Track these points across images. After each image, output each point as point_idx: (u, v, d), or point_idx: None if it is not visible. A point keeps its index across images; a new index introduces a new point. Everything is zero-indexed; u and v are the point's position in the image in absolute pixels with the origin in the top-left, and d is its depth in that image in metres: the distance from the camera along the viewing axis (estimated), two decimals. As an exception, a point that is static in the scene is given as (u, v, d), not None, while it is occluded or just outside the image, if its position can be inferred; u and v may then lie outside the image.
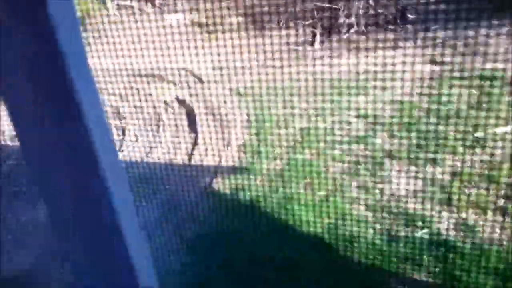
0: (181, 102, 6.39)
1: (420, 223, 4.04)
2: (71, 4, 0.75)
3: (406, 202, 4.28)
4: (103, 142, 0.82)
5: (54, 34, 0.71)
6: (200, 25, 7.42)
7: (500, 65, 5.12)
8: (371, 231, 4.07)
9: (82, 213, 0.88)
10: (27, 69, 0.75)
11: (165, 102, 6.39)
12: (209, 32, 7.09)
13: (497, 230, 3.85)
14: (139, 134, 5.89)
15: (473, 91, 5.23)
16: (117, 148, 5.82)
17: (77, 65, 0.76)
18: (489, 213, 4.01)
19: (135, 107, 5.64)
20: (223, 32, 6.88)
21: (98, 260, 0.93)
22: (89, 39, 7.11)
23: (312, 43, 7.24)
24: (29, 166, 0.84)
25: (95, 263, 0.93)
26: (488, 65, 5.20)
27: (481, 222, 3.95)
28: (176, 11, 7.51)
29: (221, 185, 4.90)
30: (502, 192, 4.17)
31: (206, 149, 5.43)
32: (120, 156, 5.64)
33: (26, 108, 0.79)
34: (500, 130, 4.68)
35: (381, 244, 3.91)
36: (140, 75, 6.11)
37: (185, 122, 6.05)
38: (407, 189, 4.41)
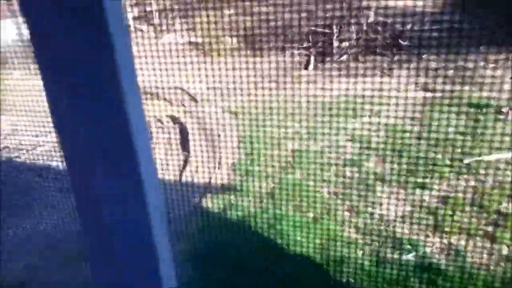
0: (175, 120, 6.42)
1: (408, 247, 4.04)
2: (121, 11, 0.78)
3: (395, 225, 4.29)
4: (143, 148, 0.84)
5: (109, 39, 0.74)
6: (196, 45, 7.52)
7: (493, 94, 5.21)
8: (360, 253, 4.06)
9: (117, 214, 0.89)
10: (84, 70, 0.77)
11: (158, 120, 6.42)
12: (204, 52, 7.18)
13: (485, 255, 3.85)
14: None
15: (465, 118, 5.31)
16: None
17: (126, 67, 0.78)
18: (477, 239, 4.03)
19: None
20: (219, 52, 6.97)
21: (126, 256, 0.94)
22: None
23: (306, 67, 7.34)
24: (70, 165, 0.85)
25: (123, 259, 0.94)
26: (481, 93, 5.30)
27: (469, 247, 3.96)
28: (172, 31, 7.62)
29: (211, 203, 4.88)
30: (491, 218, 4.19)
31: (197, 167, 5.43)
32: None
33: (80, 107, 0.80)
34: (493, 157, 4.74)
35: (369, 267, 3.89)
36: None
37: (178, 140, 6.07)
38: (396, 213, 4.43)
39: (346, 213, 4.55)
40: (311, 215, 4.55)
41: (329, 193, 4.84)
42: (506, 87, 5.41)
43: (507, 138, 4.92)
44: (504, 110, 5.39)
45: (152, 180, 0.86)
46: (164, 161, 5.55)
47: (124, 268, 0.95)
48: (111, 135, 0.80)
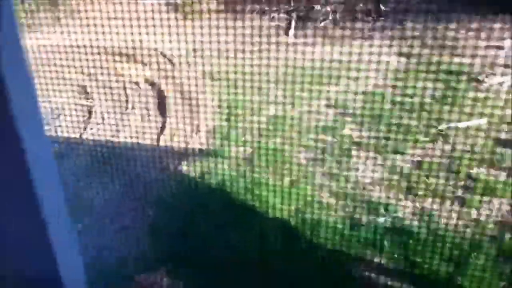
0: (151, 84, 6.32)
1: (382, 210, 4.14)
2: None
3: (370, 190, 4.37)
4: (33, 133, 0.81)
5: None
6: (175, 6, 7.32)
7: (467, 60, 5.23)
8: (335, 217, 4.14)
9: (5, 206, 0.87)
10: None
11: (134, 82, 6.30)
12: (184, 14, 7.00)
13: (454, 218, 3.98)
14: (107, 113, 5.80)
15: (440, 84, 5.36)
16: (82, 129, 5.71)
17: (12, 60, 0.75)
18: (448, 202, 4.15)
19: (103, 86, 5.53)
20: (198, 15, 6.81)
21: (18, 250, 0.93)
22: (59, 14, 6.92)
23: (287, 31, 7.24)
24: None
25: (15, 252, 0.93)
26: (459, 60, 5.33)
27: (440, 211, 4.08)
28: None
29: (188, 168, 4.88)
30: (461, 182, 4.31)
31: (175, 132, 5.39)
32: (86, 136, 5.54)
33: None
34: (467, 123, 4.82)
35: (344, 230, 3.99)
36: (110, 53, 6.00)
37: (154, 104, 5.99)
38: (371, 178, 4.51)
39: (323, 178, 4.61)
40: (288, 180, 4.60)
41: (306, 158, 4.88)
42: (481, 53, 5.44)
43: (480, 105, 5.01)
44: (480, 77, 5.45)
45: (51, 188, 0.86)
46: (141, 126, 5.49)
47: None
48: None
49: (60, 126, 5.56)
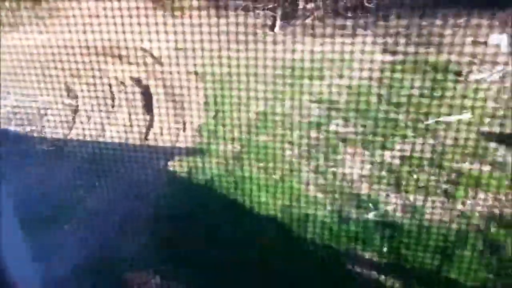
0: (137, 82, 6.26)
1: (369, 205, 4.17)
2: None
3: (357, 185, 4.40)
4: None
5: None
6: (160, 3, 7.27)
7: (453, 57, 5.29)
8: (323, 211, 4.16)
9: None
10: None
11: (120, 81, 6.24)
12: (167, 10, 6.96)
13: (441, 211, 4.03)
14: (92, 112, 5.74)
15: (426, 80, 5.41)
16: (68, 127, 5.64)
17: None
18: (434, 196, 4.20)
19: (88, 84, 5.47)
20: (182, 12, 6.77)
21: None
22: (41, 13, 6.82)
23: (272, 28, 7.24)
24: None
25: None
26: (442, 56, 5.39)
27: (427, 205, 4.12)
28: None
29: (176, 166, 4.86)
30: (447, 176, 4.37)
31: (162, 130, 5.35)
32: (72, 135, 5.48)
33: None
34: (452, 118, 4.87)
35: (331, 225, 4.01)
36: (95, 53, 5.93)
37: (141, 102, 5.94)
38: (358, 172, 4.54)
39: (310, 173, 4.63)
40: (276, 176, 4.60)
41: (293, 154, 4.89)
42: (467, 49, 5.51)
43: (466, 100, 5.07)
44: (464, 72, 5.52)
45: None
46: (128, 125, 5.44)
47: None
48: None
49: (45, 125, 5.49)
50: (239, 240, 3.94)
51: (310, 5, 7.10)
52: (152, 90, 5.97)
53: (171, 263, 3.82)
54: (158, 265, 3.76)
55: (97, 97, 5.65)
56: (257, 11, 7.34)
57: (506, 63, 5.54)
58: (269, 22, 7.35)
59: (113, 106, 5.88)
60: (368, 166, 4.61)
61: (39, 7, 7.13)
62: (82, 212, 4.39)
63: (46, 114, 5.70)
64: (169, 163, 4.93)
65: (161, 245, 4.01)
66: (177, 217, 4.29)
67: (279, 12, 7.34)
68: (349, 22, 6.85)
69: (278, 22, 7.28)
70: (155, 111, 5.69)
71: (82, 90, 5.89)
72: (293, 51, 5.72)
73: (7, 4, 6.91)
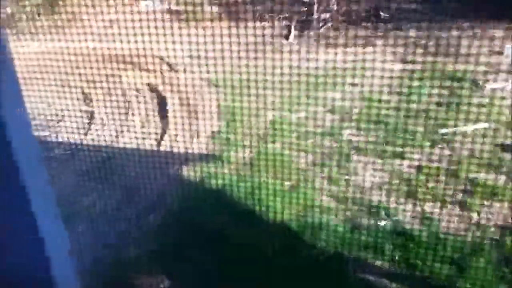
0: (153, 89, 6.34)
1: (383, 214, 4.13)
2: None
3: (371, 193, 4.37)
4: (22, 136, 0.83)
5: None
6: (175, 13, 7.37)
7: (470, 67, 5.25)
8: (335, 220, 4.14)
9: None
10: None
11: (136, 89, 6.32)
12: (185, 21, 7.04)
13: (455, 221, 3.98)
14: (108, 118, 5.82)
15: (442, 90, 5.38)
16: (83, 134, 5.73)
17: None
18: (449, 206, 4.14)
19: (104, 91, 5.56)
20: (199, 21, 6.85)
21: (11, 250, 0.94)
22: (59, 21, 6.95)
23: (287, 37, 7.28)
24: None
25: (7, 253, 0.94)
26: (458, 66, 5.35)
27: (441, 215, 4.07)
28: (151, -2, 7.43)
29: (189, 172, 4.88)
30: (462, 186, 4.31)
31: (177, 136, 5.40)
32: (87, 141, 5.56)
33: None
34: (468, 128, 4.82)
35: (344, 233, 3.98)
36: (112, 61, 6.03)
37: (155, 109, 6.01)
38: (372, 181, 4.51)
39: (323, 181, 4.62)
40: (289, 183, 4.60)
41: (306, 162, 4.88)
42: (483, 60, 5.46)
43: (482, 110, 5.02)
44: (480, 82, 5.47)
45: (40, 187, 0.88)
46: (142, 131, 5.50)
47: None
48: None
49: (61, 131, 5.58)
50: (250, 247, 3.93)
51: (325, 15, 7.13)
52: (167, 97, 6.03)
53: (181, 268, 3.83)
54: (167, 270, 3.77)
55: (113, 103, 5.73)
56: (273, 21, 7.39)
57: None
58: (284, 32, 7.39)
59: (127, 113, 5.95)
60: (382, 175, 4.58)
61: (58, 16, 7.28)
62: (93, 216, 4.43)
63: (62, 120, 5.79)
64: (183, 169, 4.96)
65: (171, 250, 4.02)
66: (189, 222, 4.30)
67: (294, 22, 7.38)
68: (364, 32, 6.85)
69: (293, 32, 7.31)
70: (170, 117, 5.74)
71: (98, 97, 5.97)
72: (308, 60, 5.75)
73: (26, 12, 7.08)
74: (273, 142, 5.14)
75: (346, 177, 4.61)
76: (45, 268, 0.94)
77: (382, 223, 4.04)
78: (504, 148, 4.56)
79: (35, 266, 0.95)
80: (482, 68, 5.36)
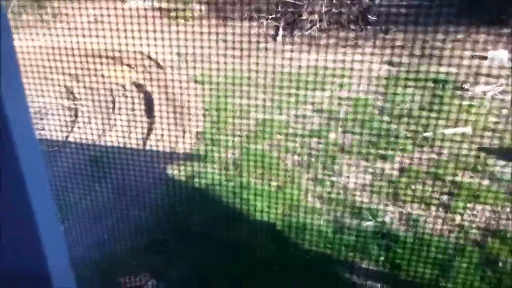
0: (139, 86, 6.28)
1: (367, 215, 4.16)
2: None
3: (355, 194, 4.40)
4: (23, 134, 0.83)
5: None
6: (163, 10, 7.32)
7: (453, 71, 5.32)
8: (320, 221, 4.15)
9: None
10: None
11: (122, 86, 6.26)
12: (171, 18, 7.00)
13: (439, 223, 4.03)
14: (92, 116, 5.74)
15: (427, 93, 5.44)
16: (68, 130, 5.65)
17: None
18: (432, 208, 4.19)
19: (89, 88, 5.49)
20: (185, 19, 6.82)
21: (9, 247, 0.93)
22: (44, 16, 6.87)
23: (274, 37, 7.29)
24: None
25: (5, 250, 0.93)
26: (442, 69, 5.42)
27: (425, 216, 4.12)
28: (138, -5, 7.37)
29: (175, 171, 4.85)
30: (446, 189, 4.36)
31: (162, 135, 5.35)
32: (72, 137, 5.48)
33: None
34: (451, 131, 4.88)
35: (329, 234, 4.00)
36: (97, 57, 5.95)
37: (142, 107, 5.95)
38: (357, 183, 4.54)
39: (309, 182, 4.63)
40: (274, 184, 4.60)
41: (292, 163, 4.89)
42: (467, 64, 5.54)
43: (466, 113, 5.09)
44: (464, 86, 5.55)
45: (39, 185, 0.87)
46: (127, 129, 5.44)
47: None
48: None
49: (45, 127, 5.49)
50: (235, 247, 3.92)
51: (313, 16, 7.15)
52: (153, 95, 5.99)
53: (166, 266, 3.80)
54: (154, 268, 3.73)
55: (97, 100, 5.66)
56: (261, 21, 7.39)
57: (505, 78, 5.57)
58: (272, 32, 7.40)
59: (113, 110, 5.89)
60: (366, 177, 4.61)
61: (43, 11, 7.18)
62: (77, 214, 4.37)
63: (46, 116, 5.70)
64: (168, 168, 4.92)
65: (157, 249, 3.99)
66: (173, 221, 4.27)
67: (282, 22, 7.39)
68: (351, 34, 6.90)
69: (280, 32, 7.32)
70: (156, 116, 5.69)
71: (82, 94, 5.90)
72: (295, 60, 5.76)
73: (12, 7, 6.96)
74: (259, 142, 5.14)
75: (332, 178, 4.63)
76: (41, 264, 0.94)
77: (367, 224, 4.07)
78: (487, 151, 4.63)
79: (32, 262, 0.94)
80: (465, 72, 5.43)
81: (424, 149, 4.85)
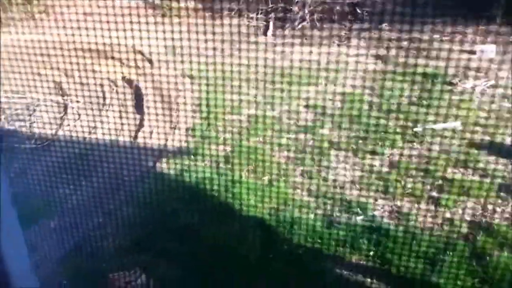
0: (128, 82, 6.24)
1: (357, 210, 4.18)
2: None
3: (346, 189, 4.42)
4: None
5: None
6: (152, 5, 7.26)
7: (442, 65, 5.34)
8: (311, 215, 4.17)
9: None
10: None
11: (112, 81, 6.21)
12: (162, 13, 6.96)
13: (429, 218, 4.06)
14: (82, 112, 5.70)
15: (416, 88, 5.46)
16: (58, 125, 5.60)
17: None
18: (423, 202, 4.22)
19: (79, 83, 5.43)
20: (176, 14, 6.77)
21: None
22: (33, 8, 6.78)
23: (265, 32, 7.26)
24: None
25: None
26: (433, 64, 5.45)
27: (414, 211, 4.15)
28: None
29: (165, 166, 4.83)
30: (436, 183, 4.39)
31: (152, 130, 5.33)
32: (62, 132, 5.43)
33: None
34: (441, 125, 4.91)
35: (321, 228, 4.01)
36: (87, 52, 5.90)
37: (131, 102, 5.91)
38: (347, 178, 4.55)
39: (300, 178, 4.63)
40: (265, 178, 4.60)
41: (283, 158, 4.89)
42: (456, 59, 5.57)
43: (455, 108, 5.12)
44: (453, 81, 5.58)
45: None
46: (118, 123, 5.40)
47: None
48: None
49: (34, 123, 5.44)
50: (226, 242, 3.92)
51: (303, 11, 7.13)
52: (144, 90, 5.95)
53: (156, 262, 3.79)
54: (144, 264, 3.72)
55: (88, 96, 5.61)
56: (251, 16, 7.36)
57: (494, 73, 5.61)
58: (262, 27, 7.37)
59: (104, 105, 5.84)
60: (357, 171, 4.62)
61: (33, 6, 7.09)
62: (67, 210, 4.34)
63: (35, 111, 5.64)
64: (158, 163, 4.90)
65: (147, 245, 3.98)
66: (163, 217, 4.26)
67: (272, 17, 7.37)
68: (341, 29, 6.90)
69: (271, 27, 7.30)
70: (146, 111, 5.66)
71: (72, 89, 5.84)
72: (285, 55, 5.75)
73: (1, 3, 6.86)
74: (250, 137, 5.13)
75: (323, 173, 4.64)
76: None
77: (358, 218, 4.09)
78: (477, 146, 4.66)
79: None
80: (455, 67, 5.45)
81: (414, 144, 4.88)
